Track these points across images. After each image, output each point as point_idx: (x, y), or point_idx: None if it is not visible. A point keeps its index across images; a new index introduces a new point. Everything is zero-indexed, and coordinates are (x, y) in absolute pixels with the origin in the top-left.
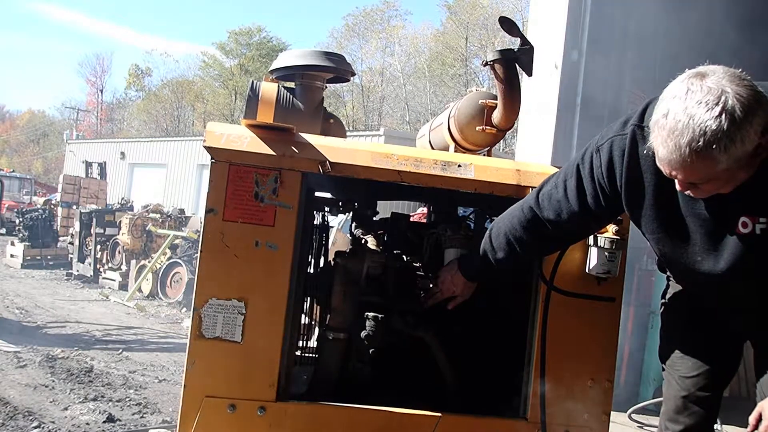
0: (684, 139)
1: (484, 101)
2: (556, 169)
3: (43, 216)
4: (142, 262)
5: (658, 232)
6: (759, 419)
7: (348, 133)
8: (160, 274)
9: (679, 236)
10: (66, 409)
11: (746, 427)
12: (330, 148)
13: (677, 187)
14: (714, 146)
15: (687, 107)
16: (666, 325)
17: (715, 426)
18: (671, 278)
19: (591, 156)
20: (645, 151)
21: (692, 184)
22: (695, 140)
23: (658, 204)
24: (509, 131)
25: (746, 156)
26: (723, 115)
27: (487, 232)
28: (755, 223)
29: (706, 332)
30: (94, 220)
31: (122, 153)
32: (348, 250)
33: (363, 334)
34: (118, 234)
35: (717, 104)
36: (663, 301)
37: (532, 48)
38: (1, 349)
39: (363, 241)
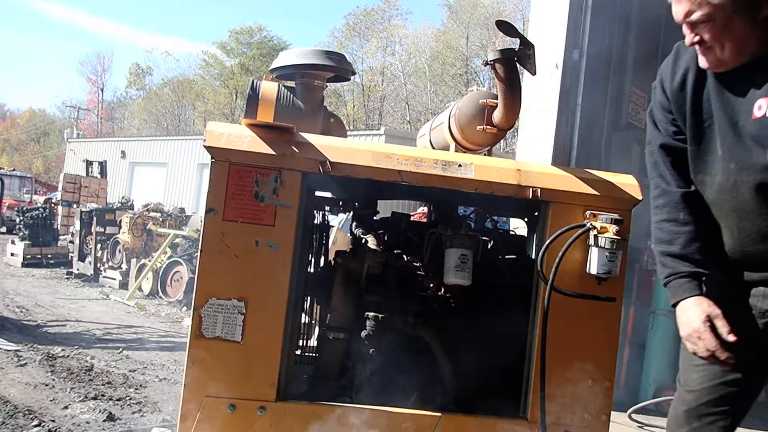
0: None
1: (484, 101)
2: (557, 169)
3: (44, 215)
4: (143, 260)
5: (692, 144)
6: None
7: (348, 133)
8: (160, 273)
9: (710, 144)
10: (66, 407)
11: (757, 429)
12: (330, 147)
13: (686, 40)
14: None
15: None
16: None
17: None
18: None
19: (655, 84)
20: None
21: (693, 26)
22: None
23: (695, 105)
24: (510, 131)
25: None
26: None
27: (655, 253)
28: None
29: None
30: (95, 218)
31: (123, 152)
32: (348, 250)
33: (363, 334)
34: (119, 233)
35: None
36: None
37: (533, 47)
38: (2, 348)
39: (363, 240)
